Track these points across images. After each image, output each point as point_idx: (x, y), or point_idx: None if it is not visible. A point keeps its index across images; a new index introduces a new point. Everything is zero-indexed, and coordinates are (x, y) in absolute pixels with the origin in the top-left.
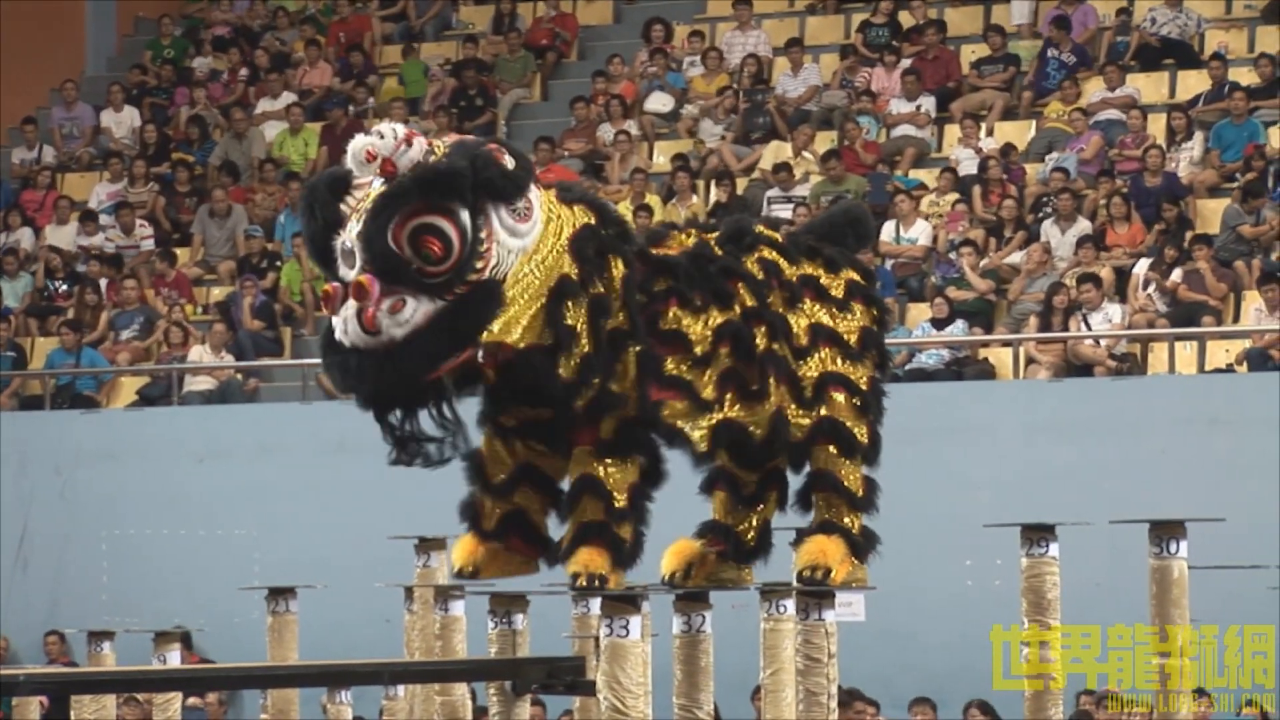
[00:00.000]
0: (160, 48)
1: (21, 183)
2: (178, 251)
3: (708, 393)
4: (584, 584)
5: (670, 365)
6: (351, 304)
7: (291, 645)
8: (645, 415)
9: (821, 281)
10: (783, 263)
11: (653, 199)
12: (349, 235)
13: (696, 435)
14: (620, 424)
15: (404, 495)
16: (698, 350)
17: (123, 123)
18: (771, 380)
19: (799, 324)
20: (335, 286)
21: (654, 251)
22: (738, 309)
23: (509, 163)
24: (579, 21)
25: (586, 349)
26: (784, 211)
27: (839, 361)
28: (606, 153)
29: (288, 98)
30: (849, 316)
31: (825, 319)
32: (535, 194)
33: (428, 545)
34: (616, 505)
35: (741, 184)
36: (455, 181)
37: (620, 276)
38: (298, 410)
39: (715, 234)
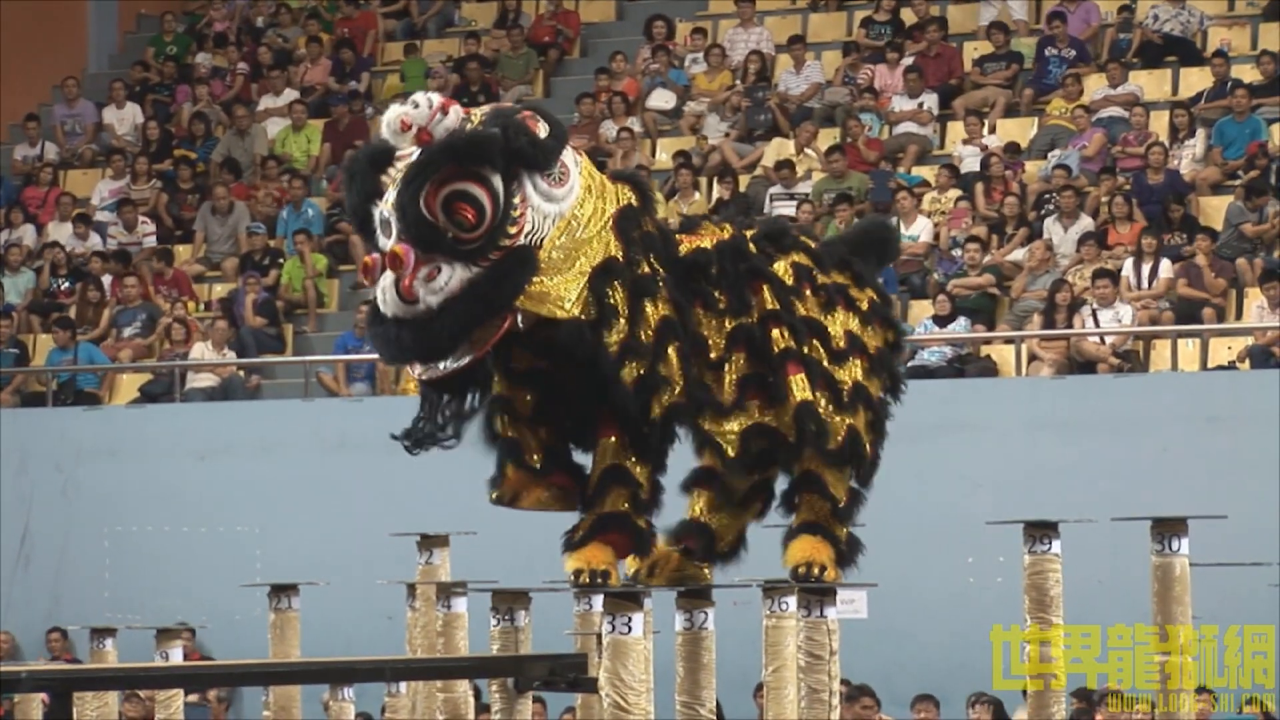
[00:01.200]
0: (162, 44)
1: (24, 180)
2: (180, 249)
3: (727, 396)
4: (586, 580)
5: (695, 367)
6: (389, 274)
7: (293, 642)
8: (693, 397)
9: (851, 293)
10: (816, 270)
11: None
12: (385, 205)
13: (725, 440)
14: (666, 411)
15: (406, 492)
16: (712, 355)
17: (125, 120)
18: (792, 380)
19: (836, 329)
20: (374, 257)
21: (686, 242)
22: (756, 313)
23: (542, 130)
24: (581, 18)
25: (625, 332)
26: (786, 208)
27: (865, 374)
28: (609, 150)
29: (290, 94)
30: (873, 332)
31: (856, 329)
32: (571, 158)
33: (430, 542)
34: (641, 497)
35: (744, 181)
36: (486, 147)
37: (663, 276)
38: (300, 407)
39: (752, 230)
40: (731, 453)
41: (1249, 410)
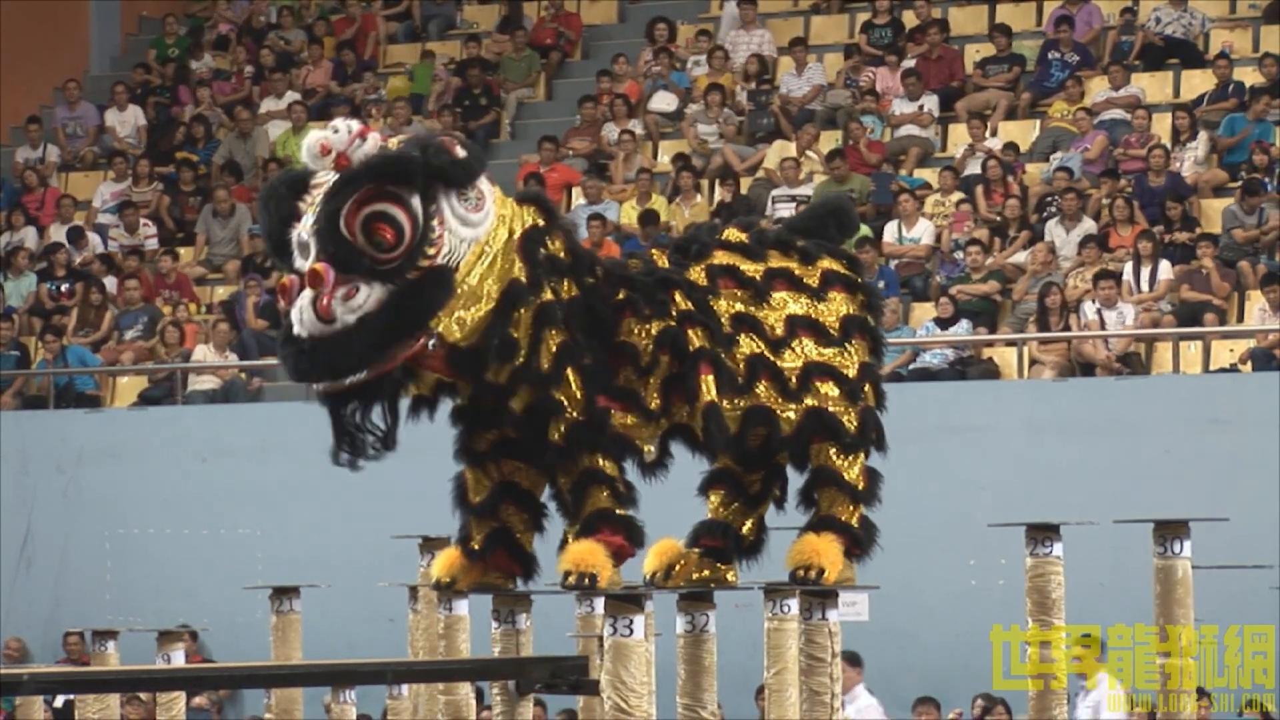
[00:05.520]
0: (164, 47)
1: (25, 182)
2: (180, 250)
3: (654, 403)
4: (573, 582)
5: (622, 377)
6: (307, 294)
7: (295, 644)
8: (593, 421)
9: (795, 273)
10: (743, 263)
11: (657, 198)
12: (304, 227)
13: (645, 445)
14: (568, 434)
15: (407, 494)
16: (643, 361)
17: (126, 122)
18: (702, 380)
19: (772, 317)
20: (292, 279)
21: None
22: (674, 314)
23: (460, 152)
24: (583, 21)
25: (522, 359)
26: (787, 211)
27: (821, 350)
28: (611, 152)
29: (291, 96)
30: (827, 305)
31: (801, 309)
32: (487, 186)
33: (431, 544)
34: (621, 491)
35: (746, 183)
36: (406, 167)
37: (569, 298)
38: (301, 409)
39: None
40: (650, 456)
41: (1251, 413)
